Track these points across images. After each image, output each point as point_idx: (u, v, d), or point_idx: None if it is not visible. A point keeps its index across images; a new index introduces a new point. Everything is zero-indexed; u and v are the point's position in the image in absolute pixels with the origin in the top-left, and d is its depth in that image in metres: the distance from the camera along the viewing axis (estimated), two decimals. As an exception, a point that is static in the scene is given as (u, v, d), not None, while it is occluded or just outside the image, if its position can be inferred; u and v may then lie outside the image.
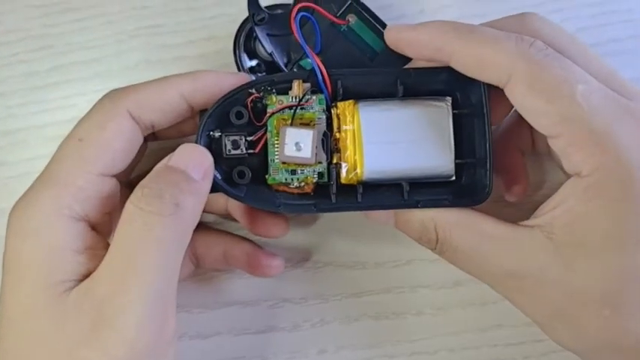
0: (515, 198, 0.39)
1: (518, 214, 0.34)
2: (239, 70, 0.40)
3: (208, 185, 0.31)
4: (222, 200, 0.38)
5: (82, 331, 0.28)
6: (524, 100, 0.31)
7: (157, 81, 0.34)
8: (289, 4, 0.37)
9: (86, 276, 0.30)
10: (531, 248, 0.31)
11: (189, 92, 0.33)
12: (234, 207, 0.38)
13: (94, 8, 0.42)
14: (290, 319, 0.40)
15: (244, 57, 0.40)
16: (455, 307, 0.40)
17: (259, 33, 0.37)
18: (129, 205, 0.29)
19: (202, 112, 0.34)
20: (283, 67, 0.37)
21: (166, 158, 0.31)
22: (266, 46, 0.37)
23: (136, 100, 0.33)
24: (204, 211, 0.33)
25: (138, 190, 0.30)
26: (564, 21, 0.41)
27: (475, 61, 0.32)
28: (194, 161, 0.31)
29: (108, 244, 0.30)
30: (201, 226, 0.39)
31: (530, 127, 0.32)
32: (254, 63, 0.40)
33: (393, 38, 0.35)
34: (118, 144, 0.32)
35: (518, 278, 0.32)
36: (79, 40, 0.41)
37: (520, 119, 0.33)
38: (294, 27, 0.34)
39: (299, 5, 0.35)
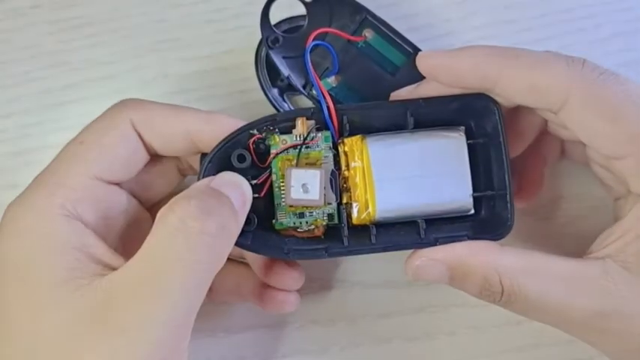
0: (524, 204, 0.37)
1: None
2: (262, 86, 0.39)
3: (244, 217, 0.31)
4: None
5: (92, 336, 0.27)
6: (585, 124, 0.30)
7: (169, 107, 0.33)
8: (303, 17, 0.37)
9: (89, 273, 0.29)
10: (609, 282, 0.30)
11: (197, 132, 0.33)
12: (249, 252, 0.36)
13: (110, 23, 0.41)
14: (318, 342, 0.39)
15: (266, 73, 0.39)
16: (490, 327, 0.39)
17: (274, 56, 0.36)
18: (170, 216, 0.28)
19: (203, 155, 0.33)
20: (301, 89, 0.36)
21: (207, 179, 0.30)
22: (282, 69, 0.36)
23: (142, 116, 0.32)
24: None
25: (183, 201, 0.28)
26: (598, 26, 0.40)
27: (526, 87, 0.31)
28: (236, 190, 0.30)
29: (108, 249, 0.30)
30: None
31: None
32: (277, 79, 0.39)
33: (428, 65, 0.33)
34: (118, 151, 0.32)
35: (602, 317, 0.30)
36: (95, 55, 0.41)
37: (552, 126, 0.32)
38: (306, 63, 0.33)
39: (314, 34, 0.34)
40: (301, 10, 0.37)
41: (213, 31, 0.41)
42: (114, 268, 0.29)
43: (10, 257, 0.29)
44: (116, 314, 0.27)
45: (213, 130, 0.32)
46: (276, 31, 0.36)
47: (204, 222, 0.28)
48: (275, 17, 0.37)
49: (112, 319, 0.27)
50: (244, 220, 0.30)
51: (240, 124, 0.33)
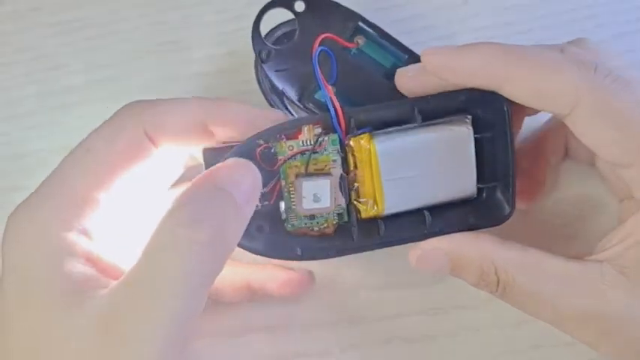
0: (526, 205, 0.37)
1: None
2: (260, 87, 0.38)
3: (252, 211, 0.30)
4: None
5: (95, 349, 0.27)
6: (593, 131, 0.30)
7: (176, 102, 0.32)
8: (292, 21, 0.36)
9: (93, 286, 0.28)
10: (605, 285, 0.30)
11: (210, 121, 0.32)
12: None
13: (110, 25, 0.41)
14: (318, 343, 0.39)
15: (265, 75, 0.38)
16: (490, 328, 0.39)
17: (268, 71, 0.36)
18: (161, 225, 0.27)
19: (205, 150, 0.32)
20: (297, 103, 0.36)
21: (206, 173, 0.29)
22: (276, 83, 0.36)
23: (153, 118, 0.31)
24: None
25: (174, 209, 0.28)
26: (599, 27, 0.40)
27: (534, 91, 0.30)
28: (244, 183, 0.29)
29: (113, 260, 0.30)
30: None
31: (566, 136, 0.31)
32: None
33: (433, 64, 0.32)
34: (128, 160, 0.31)
35: (595, 319, 0.30)
36: (95, 58, 0.41)
37: (556, 127, 0.31)
38: (315, 68, 0.32)
39: (319, 39, 0.33)
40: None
41: (213, 33, 0.41)
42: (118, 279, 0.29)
43: (14, 269, 0.29)
44: (118, 326, 0.27)
45: (225, 116, 0.32)
46: (268, 43, 0.36)
47: (194, 231, 0.27)
48: (269, 25, 0.37)
49: (114, 330, 0.27)
50: (252, 211, 0.29)
51: (251, 110, 0.32)
